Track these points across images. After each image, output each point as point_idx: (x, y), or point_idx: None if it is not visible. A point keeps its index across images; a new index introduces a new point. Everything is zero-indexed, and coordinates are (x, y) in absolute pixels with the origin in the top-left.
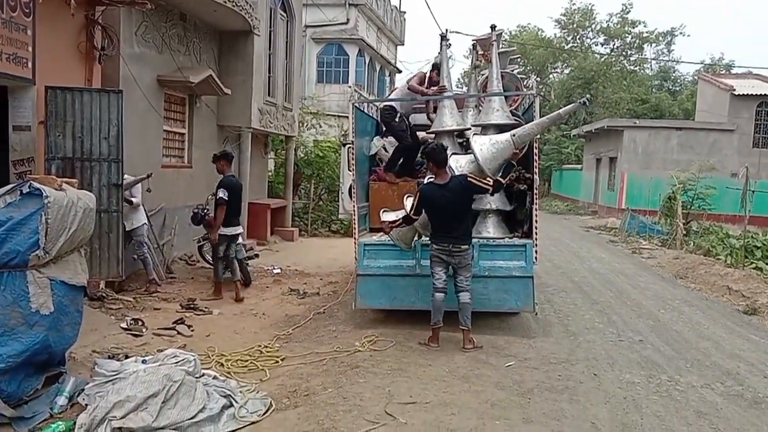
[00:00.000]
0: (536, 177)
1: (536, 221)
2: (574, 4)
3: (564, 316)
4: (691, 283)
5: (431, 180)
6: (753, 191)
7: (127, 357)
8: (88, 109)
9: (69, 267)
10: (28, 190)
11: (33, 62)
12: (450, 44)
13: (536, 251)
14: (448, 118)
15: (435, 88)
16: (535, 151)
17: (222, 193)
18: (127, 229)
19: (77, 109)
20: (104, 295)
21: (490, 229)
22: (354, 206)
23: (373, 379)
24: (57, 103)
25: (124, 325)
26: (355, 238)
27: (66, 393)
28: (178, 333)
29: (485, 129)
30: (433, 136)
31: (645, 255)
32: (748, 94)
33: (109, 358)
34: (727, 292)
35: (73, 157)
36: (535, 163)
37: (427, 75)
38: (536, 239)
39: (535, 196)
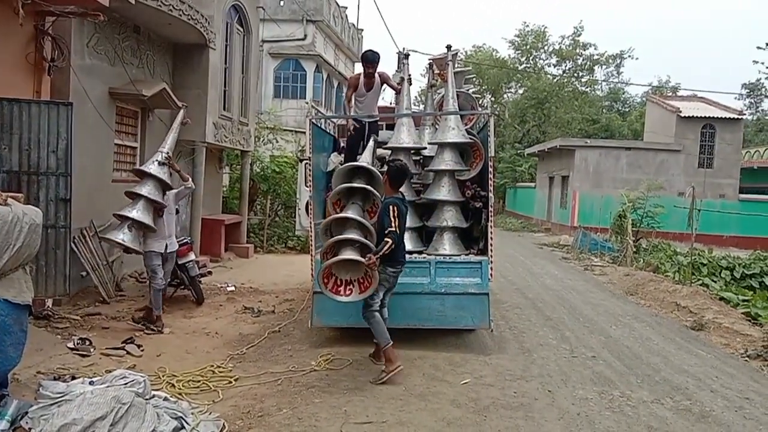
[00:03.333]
0: (491, 195)
1: (491, 238)
2: (527, 25)
3: (519, 332)
4: (641, 299)
5: (394, 195)
6: (699, 210)
7: (73, 378)
8: (36, 121)
9: (13, 285)
10: None
11: None
12: (408, 63)
13: (491, 268)
14: (405, 136)
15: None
16: (490, 169)
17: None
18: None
19: (24, 121)
20: (50, 313)
21: (446, 246)
22: (311, 222)
23: (329, 398)
24: (3, 115)
25: (70, 344)
26: (311, 255)
27: (8, 416)
28: (128, 353)
29: (442, 147)
30: (389, 152)
31: (597, 272)
32: (693, 116)
33: (55, 379)
34: (675, 308)
35: (19, 171)
36: (490, 182)
37: (360, 75)
38: (491, 256)
39: (490, 214)
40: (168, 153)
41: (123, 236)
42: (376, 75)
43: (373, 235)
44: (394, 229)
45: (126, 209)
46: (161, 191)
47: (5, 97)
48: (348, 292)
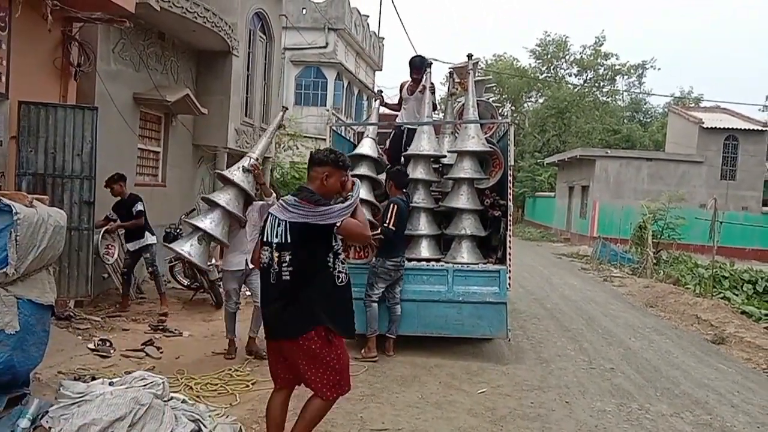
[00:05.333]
0: (510, 204)
1: (510, 247)
2: (548, 35)
3: (536, 342)
4: (661, 311)
5: (399, 195)
6: (721, 222)
7: (93, 379)
8: (62, 125)
9: (37, 285)
10: None
11: (7, 77)
12: (430, 72)
13: (510, 277)
14: (426, 143)
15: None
16: (510, 178)
17: (141, 206)
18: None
19: (51, 125)
20: (72, 314)
21: (464, 255)
22: None
23: (345, 404)
24: (30, 119)
25: (91, 345)
26: None
27: (29, 415)
28: (147, 355)
29: (461, 155)
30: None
31: (616, 283)
32: (716, 128)
33: (75, 379)
34: (696, 321)
35: (44, 174)
36: (509, 191)
37: (406, 84)
38: (510, 265)
39: (509, 223)
40: (257, 159)
41: (189, 248)
42: (422, 83)
43: (380, 208)
44: (388, 225)
45: (199, 217)
46: (243, 202)
47: (32, 101)
48: (365, 256)
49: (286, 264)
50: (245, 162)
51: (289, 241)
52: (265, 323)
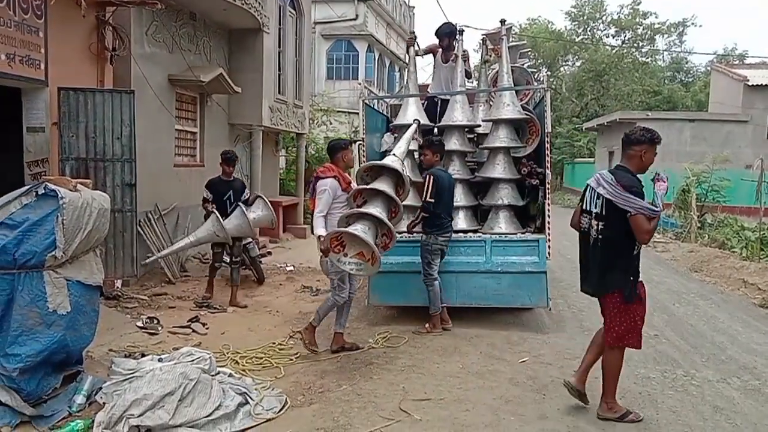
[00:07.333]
0: (548, 172)
1: (549, 216)
2: None
3: (578, 311)
4: (706, 276)
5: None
6: None
7: (143, 355)
8: (101, 109)
9: (85, 267)
10: (43, 191)
11: (45, 64)
12: (462, 39)
13: (549, 246)
14: (459, 113)
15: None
16: (547, 145)
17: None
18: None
19: (90, 109)
20: (120, 293)
21: (502, 225)
22: None
23: (387, 375)
24: (70, 104)
25: (139, 323)
26: None
27: (84, 392)
28: (194, 331)
29: (496, 124)
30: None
31: (659, 248)
32: (762, 85)
33: (126, 356)
34: (742, 285)
35: (86, 158)
36: (546, 158)
37: (438, 51)
38: (549, 234)
39: (547, 191)
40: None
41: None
42: (454, 52)
43: (399, 211)
44: (425, 199)
45: (370, 206)
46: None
47: (71, 87)
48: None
49: (599, 231)
50: (392, 161)
51: (603, 213)
52: (582, 275)
